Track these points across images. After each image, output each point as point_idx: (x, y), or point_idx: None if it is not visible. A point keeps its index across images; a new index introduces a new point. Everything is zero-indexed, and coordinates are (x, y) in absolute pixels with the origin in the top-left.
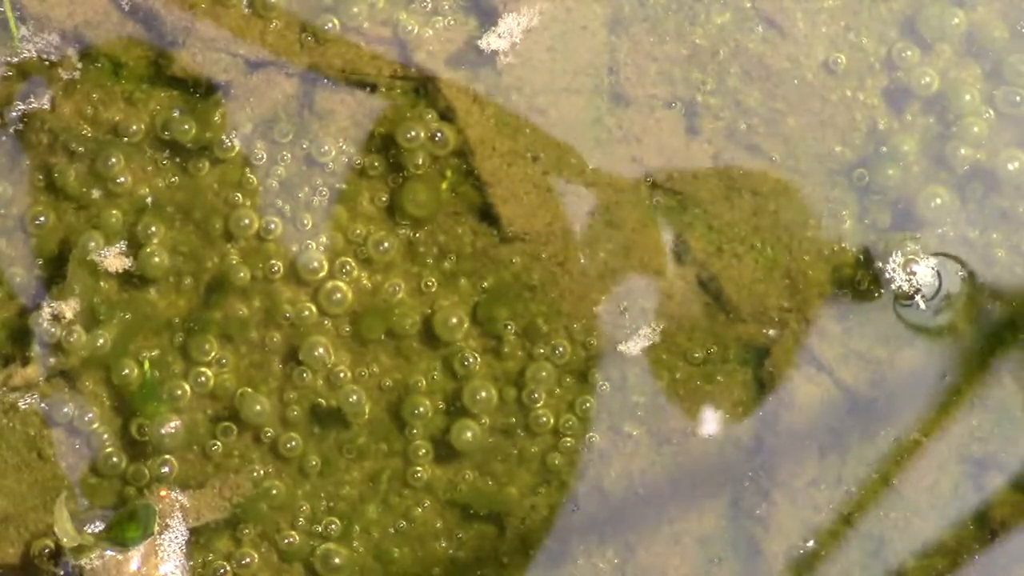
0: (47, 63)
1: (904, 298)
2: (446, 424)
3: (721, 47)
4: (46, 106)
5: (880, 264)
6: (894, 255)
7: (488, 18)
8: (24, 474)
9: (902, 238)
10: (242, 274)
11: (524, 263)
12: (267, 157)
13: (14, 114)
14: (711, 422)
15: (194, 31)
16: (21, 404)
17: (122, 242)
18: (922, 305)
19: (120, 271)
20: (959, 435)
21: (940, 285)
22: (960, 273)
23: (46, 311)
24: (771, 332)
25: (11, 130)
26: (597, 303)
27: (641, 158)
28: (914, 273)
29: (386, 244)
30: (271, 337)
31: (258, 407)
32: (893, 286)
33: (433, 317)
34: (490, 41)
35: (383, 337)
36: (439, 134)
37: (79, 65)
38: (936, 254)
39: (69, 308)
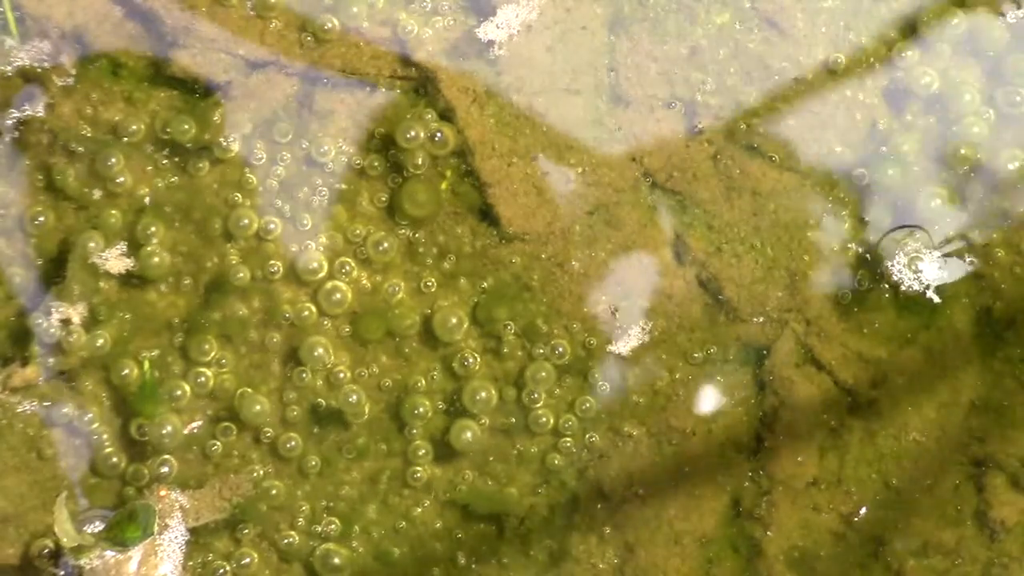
0: (39, 69)
1: (913, 296)
2: (446, 424)
3: (721, 47)
4: (40, 113)
5: (888, 263)
6: (898, 254)
7: (487, 18)
8: (24, 474)
9: (903, 237)
10: (242, 274)
11: (524, 263)
12: (267, 157)
13: (13, 115)
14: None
15: (194, 31)
16: (19, 409)
17: (122, 244)
18: (936, 299)
19: (122, 273)
20: (959, 435)
21: (941, 278)
22: (961, 272)
23: (54, 316)
24: (770, 332)
25: (10, 131)
26: (597, 303)
27: (641, 158)
28: (920, 271)
29: (386, 244)
30: (271, 337)
31: (258, 407)
32: (902, 287)
33: (433, 317)
34: (488, 31)
35: (383, 337)
36: (439, 134)
37: (73, 72)
38: (940, 247)
39: (76, 313)
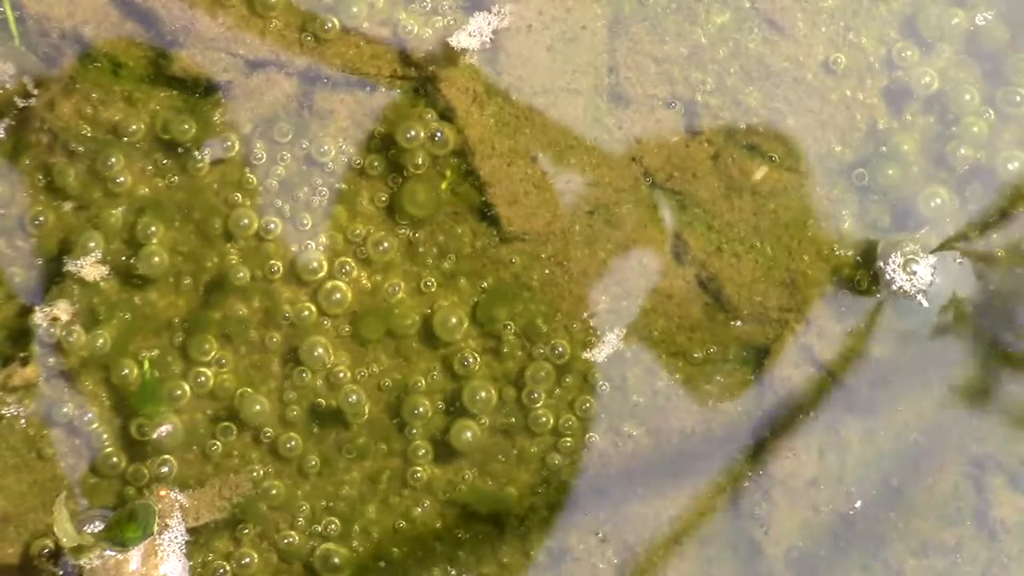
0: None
1: (906, 298)
2: (446, 424)
3: (721, 47)
4: (1, 135)
5: (881, 264)
6: (894, 255)
7: (460, 27)
8: (24, 474)
9: (902, 238)
10: (242, 274)
11: (524, 263)
12: (267, 157)
13: (13, 113)
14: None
15: (194, 31)
16: (19, 408)
17: (98, 252)
18: (925, 303)
19: (97, 279)
20: (959, 435)
21: (933, 282)
22: (960, 273)
23: (38, 315)
24: (770, 332)
25: (10, 130)
26: (597, 303)
27: (641, 158)
28: (915, 273)
29: (386, 244)
30: (271, 337)
31: (258, 407)
32: (894, 287)
33: (433, 317)
34: (460, 39)
35: (383, 337)
36: (439, 134)
37: (35, 92)
38: (935, 251)
39: (63, 311)
